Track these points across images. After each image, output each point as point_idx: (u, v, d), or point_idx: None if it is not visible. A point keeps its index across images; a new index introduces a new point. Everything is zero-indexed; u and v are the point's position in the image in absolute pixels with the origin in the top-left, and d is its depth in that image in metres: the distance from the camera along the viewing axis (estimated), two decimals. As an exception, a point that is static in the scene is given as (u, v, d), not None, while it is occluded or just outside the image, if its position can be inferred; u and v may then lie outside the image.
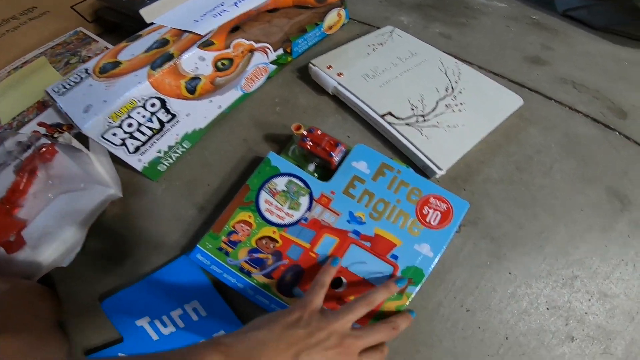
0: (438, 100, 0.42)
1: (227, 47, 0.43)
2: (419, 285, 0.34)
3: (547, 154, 0.42)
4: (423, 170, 0.40)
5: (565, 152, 0.43)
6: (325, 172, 0.40)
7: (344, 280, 0.34)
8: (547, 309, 0.35)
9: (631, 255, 0.37)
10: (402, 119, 0.41)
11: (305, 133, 0.39)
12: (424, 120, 0.41)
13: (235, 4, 0.45)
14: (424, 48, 0.47)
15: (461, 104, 0.42)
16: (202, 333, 0.35)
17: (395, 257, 0.34)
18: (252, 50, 0.45)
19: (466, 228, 0.38)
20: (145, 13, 0.45)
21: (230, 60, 0.43)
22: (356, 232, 0.35)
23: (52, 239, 0.37)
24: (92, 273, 0.39)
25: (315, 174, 0.39)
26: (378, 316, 0.33)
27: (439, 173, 0.39)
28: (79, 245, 0.38)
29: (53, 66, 0.48)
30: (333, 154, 0.38)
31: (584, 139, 0.44)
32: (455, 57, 0.47)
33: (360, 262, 0.34)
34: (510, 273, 0.36)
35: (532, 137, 0.44)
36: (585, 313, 0.35)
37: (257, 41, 0.45)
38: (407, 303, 0.33)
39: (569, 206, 0.39)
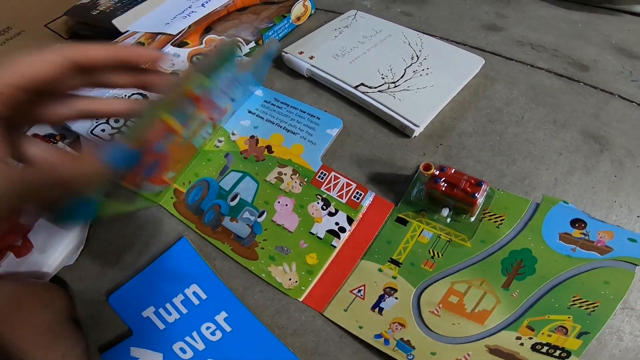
0: (406, 68, 0.45)
1: (200, 43, 0.45)
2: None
3: (516, 106, 0.44)
4: (402, 131, 0.42)
5: (534, 102, 0.45)
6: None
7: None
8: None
9: (622, 197, 0.37)
10: (375, 87, 0.43)
11: (437, 173, 0.33)
12: (395, 86, 0.43)
13: (203, 4, 0.48)
14: (386, 25, 0.50)
15: (427, 68, 0.45)
16: (205, 317, 0.35)
17: None
18: (224, 45, 0.47)
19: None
20: (118, 22, 0.47)
21: (205, 55, 0.45)
22: None
23: (58, 239, 0.38)
24: (98, 269, 0.39)
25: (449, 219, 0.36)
26: None
27: (417, 130, 0.40)
28: (83, 242, 0.39)
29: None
30: (477, 195, 0.32)
31: (550, 90, 0.46)
32: (417, 31, 0.50)
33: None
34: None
35: (499, 92, 0.46)
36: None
37: (228, 36, 0.47)
38: None
39: (547, 150, 0.40)
